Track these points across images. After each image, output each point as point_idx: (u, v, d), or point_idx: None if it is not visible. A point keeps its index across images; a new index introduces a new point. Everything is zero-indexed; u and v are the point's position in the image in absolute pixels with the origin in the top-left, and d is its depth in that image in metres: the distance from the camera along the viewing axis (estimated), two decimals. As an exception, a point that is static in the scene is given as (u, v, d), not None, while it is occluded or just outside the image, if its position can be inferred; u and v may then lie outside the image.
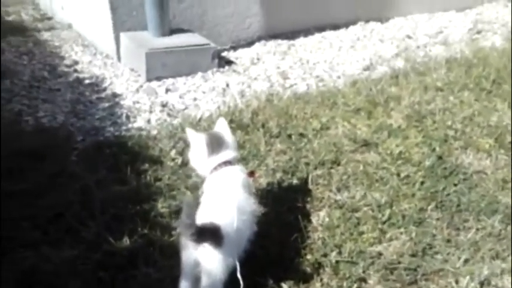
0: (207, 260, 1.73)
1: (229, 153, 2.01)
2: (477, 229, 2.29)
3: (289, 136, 2.88)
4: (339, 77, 3.75)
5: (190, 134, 2.07)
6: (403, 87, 3.53)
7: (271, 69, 3.80)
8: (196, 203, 1.77)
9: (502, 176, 2.66)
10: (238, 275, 1.72)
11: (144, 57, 3.51)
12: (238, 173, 1.99)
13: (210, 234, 1.70)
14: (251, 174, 2.10)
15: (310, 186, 2.49)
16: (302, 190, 2.46)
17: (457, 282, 2.03)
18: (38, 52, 3.89)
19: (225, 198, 1.86)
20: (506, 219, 2.37)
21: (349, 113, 3.15)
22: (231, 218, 1.76)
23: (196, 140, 2.04)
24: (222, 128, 2.08)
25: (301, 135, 2.89)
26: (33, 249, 2.05)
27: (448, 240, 2.23)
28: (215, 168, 1.97)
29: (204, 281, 1.76)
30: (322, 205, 2.38)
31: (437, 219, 2.34)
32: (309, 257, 2.08)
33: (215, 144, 2.00)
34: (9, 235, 2.11)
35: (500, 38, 4.65)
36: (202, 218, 1.74)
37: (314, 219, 2.28)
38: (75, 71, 3.63)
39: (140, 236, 2.15)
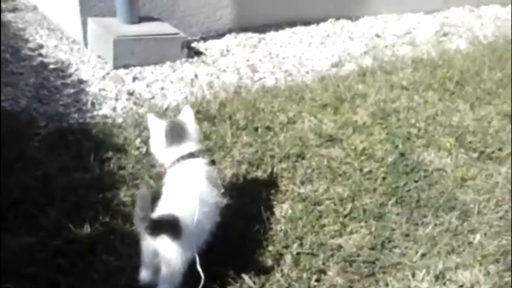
0: (165, 252, 1.73)
1: (191, 145, 1.95)
2: (435, 224, 2.36)
3: (256, 129, 2.88)
4: (307, 73, 3.78)
5: (151, 120, 2.00)
6: (370, 85, 3.58)
7: (240, 61, 3.80)
8: (150, 196, 1.71)
9: (461, 174, 2.73)
10: (198, 267, 1.73)
11: (111, 44, 3.44)
12: (201, 165, 1.96)
13: (167, 226, 1.69)
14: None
15: (275, 179, 2.51)
16: (266, 182, 2.48)
17: (413, 275, 2.08)
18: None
19: (187, 190, 1.84)
20: (463, 215, 2.44)
21: (316, 108, 3.18)
22: (191, 210, 1.75)
23: (156, 127, 1.97)
24: (186, 117, 2.02)
25: (268, 128, 2.91)
26: (-10, 235, 2.01)
27: (407, 235, 2.28)
28: (177, 160, 1.92)
29: (164, 271, 1.76)
30: (285, 198, 2.40)
31: (397, 214, 2.39)
32: (270, 248, 2.10)
33: (175, 134, 1.94)
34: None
35: (465, 42, 4.78)
36: (161, 210, 1.74)
37: (277, 211, 2.30)
38: (40, 55, 3.54)
39: (101, 224, 2.12)
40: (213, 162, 2.10)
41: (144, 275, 1.82)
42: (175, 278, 1.77)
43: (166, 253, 1.73)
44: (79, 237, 2.05)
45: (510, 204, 2.52)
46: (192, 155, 1.94)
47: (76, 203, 2.23)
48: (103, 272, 1.92)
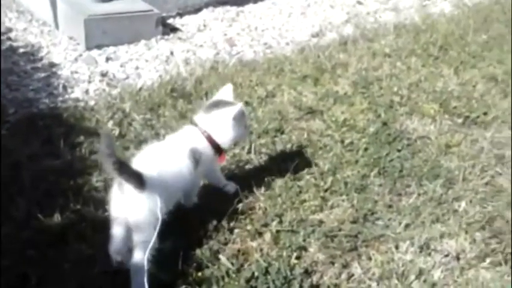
0: (133, 208, 1.70)
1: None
2: (418, 194, 2.30)
3: (234, 105, 2.79)
4: (287, 44, 3.68)
5: None
6: (351, 53, 3.48)
7: (217, 36, 3.68)
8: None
9: (445, 141, 2.67)
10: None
11: (83, 24, 3.32)
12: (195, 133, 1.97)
13: (131, 172, 1.68)
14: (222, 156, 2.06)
15: (253, 156, 2.43)
16: (244, 160, 2.40)
17: (397, 247, 2.03)
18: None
19: (163, 147, 1.89)
20: (447, 183, 2.38)
21: (296, 81, 3.09)
22: (157, 164, 1.78)
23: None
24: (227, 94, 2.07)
25: (246, 103, 2.81)
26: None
27: (390, 206, 2.22)
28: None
29: (135, 240, 1.72)
30: (264, 175, 2.32)
31: (380, 185, 2.33)
32: (249, 227, 2.03)
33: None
34: None
35: (449, 5, 4.65)
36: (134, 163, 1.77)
37: (256, 189, 2.23)
38: (9, 38, 3.41)
39: (72, 211, 2.05)
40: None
41: (115, 248, 1.74)
42: (148, 242, 1.67)
43: (134, 209, 1.70)
44: (50, 227, 1.98)
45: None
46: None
47: (47, 191, 2.15)
48: (75, 261, 1.85)
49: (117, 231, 1.74)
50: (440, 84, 3.18)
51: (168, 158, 1.85)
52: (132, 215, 1.71)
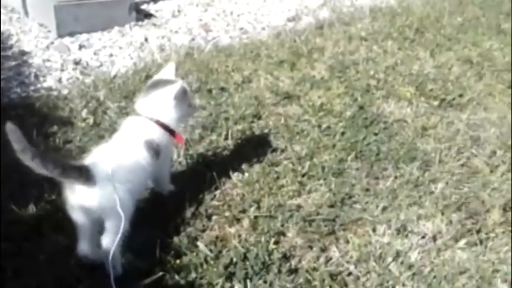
0: (91, 201, 1.63)
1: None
2: (395, 177, 2.31)
3: (210, 91, 2.77)
4: (263, 29, 3.65)
5: None
6: (328, 38, 3.48)
7: (193, 21, 3.64)
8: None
9: (421, 123, 2.69)
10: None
11: (52, 11, 3.24)
12: (144, 122, 1.85)
13: (76, 172, 1.60)
14: (177, 137, 1.92)
15: (230, 142, 2.41)
16: (221, 146, 2.39)
17: (374, 230, 2.04)
18: None
19: (115, 146, 1.79)
20: (424, 165, 2.40)
21: (272, 66, 3.07)
22: (107, 155, 1.70)
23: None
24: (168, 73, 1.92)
25: (222, 89, 2.80)
26: None
27: (367, 190, 2.23)
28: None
29: (107, 224, 1.67)
30: (241, 161, 2.31)
31: (357, 169, 2.33)
32: (227, 214, 2.02)
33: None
34: None
35: (425, -13, 4.67)
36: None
37: (233, 175, 2.22)
38: (-23, 27, 3.32)
39: (47, 202, 2.01)
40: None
41: (83, 247, 1.72)
42: (113, 232, 1.65)
43: (85, 201, 1.63)
44: (24, 218, 1.94)
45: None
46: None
47: (20, 182, 2.10)
48: (51, 252, 1.82)
49: (82, 228, 1.70)
50: (416, 67, 3.19)
51: (122, 154, 1.74)
52: (88, 209, 1.65)
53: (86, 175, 1.60)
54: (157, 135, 1.84)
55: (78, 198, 1.63)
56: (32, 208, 1.98)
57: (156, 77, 1.94)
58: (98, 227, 1.68)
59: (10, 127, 1.56)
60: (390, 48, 3.40)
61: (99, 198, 1.62)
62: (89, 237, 1.71)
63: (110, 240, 1.66)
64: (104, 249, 1.68)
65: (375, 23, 3.75)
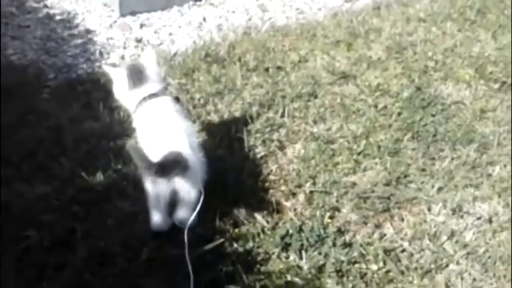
0: (182, 188, 1.74)
1: (153, 86, 1.94)
2: (452, 158, 2.30)
3: (267, 69, 2.82)
4: (319, 9, 3.64)
5: (109, 70, 2.03)
6: (385, 18, 3.44)
7: (249, 1, 3.67)
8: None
9: (480, 106, 2.64)
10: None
11: (116, -9, 3.36)
12: (169, 102, 1.96)
13: (175, 165, 1.68)
14: None
15: (286, 119, 2.46)
16: (278, 123, 2.43)
17: (429, 209, 2.05)
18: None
19: (169, 127, 1.84)
20: (481, 148, 2.37)
21: (329, 46, 3.08)
22: (184, 143, 1.76)
23: (117, 74, 1.99)
24: (147, 59, 2.01)
25: (279, 68, 2.84)
26: (6, 185, 2.03)
27: (423, 170, 2.23)
28: (140, 103, 1.92)
29: (181, 206, 1.79)
30: (298, 138, 2.36)
31: (413, 149, 2.33)
32: (283, 188, 2.09)
33: (136, 77, 1.94)
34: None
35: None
36: (154, 151, 1.71)
37: (289, 151, 2.27)
38: (45, 6, 3.47)
39: (114, 171, 2.13)
40: (177, 99, 2.07)
41: (156, 218, 1.82)
42: (191, 210, 1.77)
43: (182, 190, 1.75)
44: (93, 185, 2.07)
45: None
46: (154, 95, 1.93)
47: (88, 152, 2.23)
48: (117, 217, 1.94)
49: (157, 203, 1.80)
50: (476, 49, 3.12)
51: (183, 132, 1.83)
52: (181, 193, 1.76)
53: (184, 164, 1.70)
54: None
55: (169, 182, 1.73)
56: (99, 176, 2.10)
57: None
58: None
59: (132, 145, 1.69)
60: (449, 30, 3.33)
61: (190, 180, 1.73)
62: (164, 209, 1.81)
63: (186, 213, 1.77)
64: (180, 221, 1.79)
65: (434, 3, 3.67)
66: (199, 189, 1.74)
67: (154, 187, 1.77)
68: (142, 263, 1.76)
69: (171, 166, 1.68)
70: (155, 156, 1.67)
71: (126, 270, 1.74)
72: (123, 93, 1.98)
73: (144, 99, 1.92)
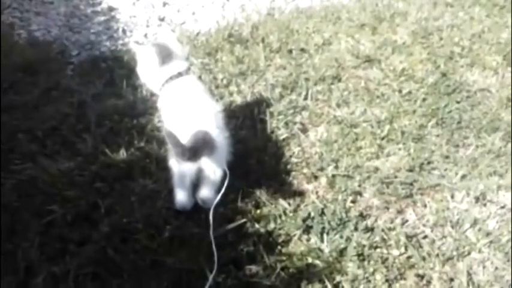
0: (207, 167, 1.75)
1: (180, 64, 1.95)
2: (476, 146, 2.27)
3: (290, 51, 2.79)
4: (344, -8, 3.59)
5: (135, 48, 2.05)
6: (411, 2, 3.38)
7: (273, -18, 3.63)
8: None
9: (507, 94, 2.59)
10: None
11: (140, -31, 3.35)
12: (194, 81, 1.97)
13: (204, 146, 1.69)
14: None
15: (309, 102, 2.44)
16: (301, 105, 2.42)
17: (452, 196, 2.03)
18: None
19: (196, 106, 1.84)
20: (507, 136, 2.34)
21: (353, 29, 3.04)
22: (211, 122, 1.77)
23: (144, 52, 1.98)
24: (168, 38, 2.02)
25: (302, 50, 2.81)
26: (31, 160, 2.06)
27: (447, 157, 2.21)
28: (167, 81, 1.92)
29: (205, 185, 1.80)
30: (320, 121, 2.34)
31: (437, 135, 2.30)
32: (305, 171, 2.08)
33: (164, 55, 1.94)
34: (7, 147, 2.11)
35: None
36: (184, 130, 1.71)
37: (312, 134, 2.26)
38: (69, -17, 3.48)
39: (137, 148, 2.14)
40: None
41: (181, 197, 1.83)
42: (215, 190, 1.78)
43: (208, 169, 1.75)
44: (116, 162, 2.08)
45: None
46: (180, 74, 1.94)
47: (111, 129, 2.24)
48: (140, 194, 1.95)
49: (182, 182, 1.81)
50: (505, 35, 3.06)
51: (210, 111, 1.85)
52: (206, 172, 1.77)
53: (211, 144, 1.71)
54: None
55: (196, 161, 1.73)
56: (122, 153, 2.11)
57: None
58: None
59: (167, 131, 1.68)
60: (477, 15, 3.26)
61: (215, 159, 1.73)
62: (188, 188, 1.82)
63: (210, 193, 1.78)
64: (203, 200, 1.80)
65: (461, -12, 3.59)
66: (224, 169, 1.74)
67: (179, 166, 1.77)
68: (165, 240, 1.77)
69: (201, 149, 1.69)
70: (182, 135, 1.67)
71: (148, 247, 1.75)
72: (148, 71, 1.98)
73: (171, 78, 1.92)
